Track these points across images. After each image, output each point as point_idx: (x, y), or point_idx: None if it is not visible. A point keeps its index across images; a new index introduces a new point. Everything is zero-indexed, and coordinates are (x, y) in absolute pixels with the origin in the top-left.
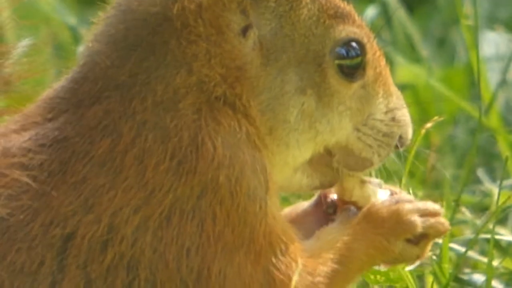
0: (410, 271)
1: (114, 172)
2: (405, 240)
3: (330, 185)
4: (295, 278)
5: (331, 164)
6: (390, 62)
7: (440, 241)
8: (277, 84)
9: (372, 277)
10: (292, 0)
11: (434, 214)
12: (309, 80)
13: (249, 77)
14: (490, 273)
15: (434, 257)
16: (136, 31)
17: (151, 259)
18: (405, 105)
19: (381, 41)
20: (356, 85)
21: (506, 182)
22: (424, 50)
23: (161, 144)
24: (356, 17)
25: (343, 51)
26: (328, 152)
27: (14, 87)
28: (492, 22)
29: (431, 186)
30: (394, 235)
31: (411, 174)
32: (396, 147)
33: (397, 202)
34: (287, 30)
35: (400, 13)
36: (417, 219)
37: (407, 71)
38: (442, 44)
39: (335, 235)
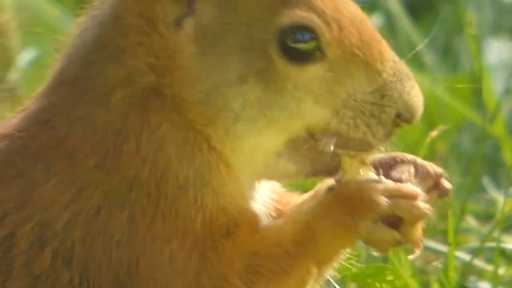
0: (416, 279)
1: (47, 167)
2: (374, 221)
3: (327, 173)
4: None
5: (318, 149)
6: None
7: (444, 248)
8: (215, 72)
9: (378, 285)
10: None
11: (408, 196)
12: (252, 68)
13: (182, 67)
14: (496, 281)
15: (440, 265)
16: (87, 25)
17: (82, 254)
18: (406, 79)
19: None
20: (313, 69)
21: (511, 190)
22: (428, 59)
23: (89, 139)
24: (314, 0)
25: (288, 37)
26: (311, 136)
27: (19, 95)
28: (496, 30)
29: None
30: (358, 213)
31: None
32: (398, 124)
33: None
34: (226, 18)
35: (404, 22)
36: (382, 198)
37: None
38: (446, 53)
39: (299, 214)
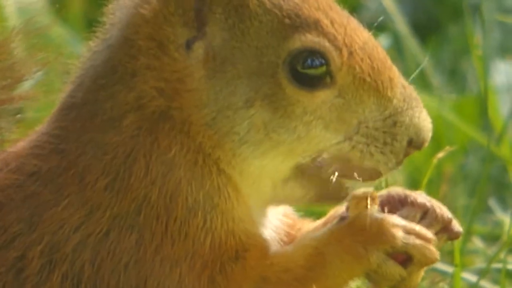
0: None
1: (57, 189)
2: (385, 254)
3: (335, 199)
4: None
5: (322, 176)
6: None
7: (451, 270)
8: (222, 96)
9: None
10: (242, 12)
11: (422, 237)
12: (259, 92)
13: (191, 90)
14: None
15: (446, 287)
16: (97, 49)
17: (90, 276)
18: (416, 105)
19: None
20: (323, 94)
21: None
22: (435, 80)
23: (99, 161)
24: (325, 24)
25: (297, 61)
26: (317, 164)
27: (27, 116)
28: (503, 52)
29: None
30: (372, 243)
31: None
32: (409, 152)
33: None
34: (236, 42)
35: (411, 43)
36: (399, 233)
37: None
38: (454, 74)
39: (309, 240)
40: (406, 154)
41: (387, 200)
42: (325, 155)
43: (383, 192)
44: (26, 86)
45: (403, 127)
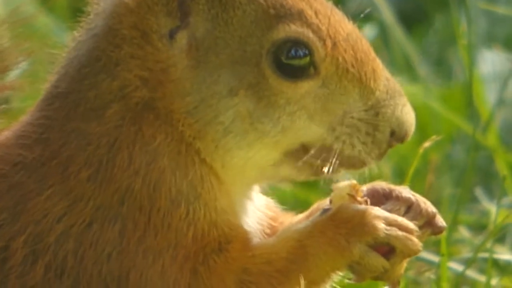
0: None
1: (40, 179)
2: (368, 246)
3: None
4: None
5: (312, 163)
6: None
7: (437, 259)
8: (206, 86)
9: None
10: (225, 2)
11: (405, 229)
12: (243, 81)
13: (174, 79)
14: None
15: (433, 276)
16: (81, 38)
17: (73, 267)
18: (399, 98)
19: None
20: (306, 85)
21: (504, 201)
22: (422, 69)
23: (82, 151)
24: (309, 15)
25: (281, 52)
26: (306, 150)
27: (13, 106)
28: (489, 41)
29: None
30: (354, 235)
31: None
32: (392, 144)
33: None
34: (219, 32)
35: (397, 33)
36: (381, 225)
37: (405, 90)
38: (440, 63)
39: (292, 232)
40: (390, 146)
41: (371, 193)
42: (309, 145)
43: (367, 186)
44: (11, 76)
45: (385, 118)
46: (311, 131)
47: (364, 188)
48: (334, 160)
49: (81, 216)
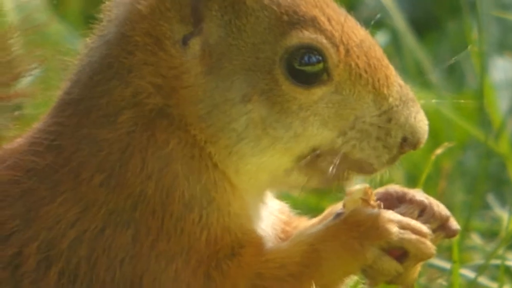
0: None
1: (53, 186)
2: (381, 249)
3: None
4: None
5: (322, 167)
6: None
7: (449, 266)
8: (219, 92)
9: None
10: (238, 9)
11: (418, 232)
12: (256, 88)
13: (188, 86)
14: None
15: (444, 283)
16: (94, 45)
17: (87, 273)
18: (413, 105)
19: None
20: (320, 91)
21: None
22: (434, 76)
23: (94, 157)
24: (323, 22)
25: (295, 58)
26: (316, 155)
27: (25, 113)
28: (501, 48)
29: None
30: (367, 239)
31: None
32: (404, 150)
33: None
34: (232, 38)
35: (409, 39)
36: (394, 228)
37: (417, 97)
38: (452, 70)
39: (305, 236)
40: (401, 152)
41: (384, 197)
42: (320, 150)
43: (381, 189)
44: (24, 83)
45: (398, 124)
46: (322, 136)
47: (378, 191)
48: (344, 164)
49: (94, 222)
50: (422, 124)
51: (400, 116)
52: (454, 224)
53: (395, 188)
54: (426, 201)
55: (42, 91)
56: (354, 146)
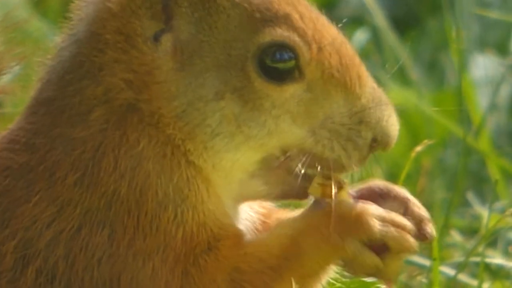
0: None
1: (28, 186)
2: (362, 243)
3: (297, 196)
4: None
5: (290, 168)
6: (380, 85)
7: (429, 263)
8: (192, 89)
9: None
10: (208, 6)
11: (400, 227)
12: (229, 85)
13: (159, 82)
14: None
15: (424, 280)
16: (64, 44)
17: (65, 272)
18: (385, 108)
19: (371, 64)
20: (291, 88)
21: (496, 205)
22: (414, 73)
23: (68, 156)
24: (295, 19)
25: (267, 55)
26: (285, 156)
27: (5, 111)
28: (481, 45)
29: None
30: (348, 233)
31: None
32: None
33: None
34: (203, 35)
35: (390, 36)
36: (376, 223)
37: (397, 94)
38: (432, 68)
39: (284, 228)
40: (371, 151)
41: (367, 193)
42: (291, 149)
43: (363, 185)
44: (4, 80)
45: (369, 126)
46: (293, 134)
47: (360, 187)
48: (313, 164)
49: (70, 222)
50: (393, 128)
51: (372, 118)
52: (429, 229)
53: (378, 184)
54: (409, 199)
55: (22, 89)
56: (324, 146)
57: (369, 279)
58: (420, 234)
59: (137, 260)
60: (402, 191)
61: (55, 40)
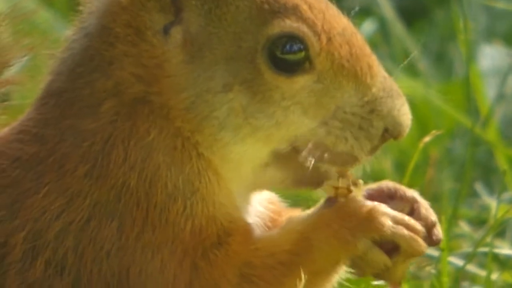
0: (409, 284)
1: (37, 177)
2: (372, 242)
3: (313, 184)
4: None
5: (300, 161)
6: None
7: (437, 254)
8: (201, 81)
9: None
10: None
11: (411, 229)
12: (237, 77)
13: (169, 75)
14: (489, 286)
15: (433, 271)
16: (75, 37)
17: (74, 263)
18: (397, 97)
19: (378, 55)
20: (302, 80)
21: (504, 195)
22: (422, 64)
23: (78, 148)
24: (304, 10)
25: (276, 47)
26: (295, 149)
27: (12, 101)
28: (489, 36)
29: (429, 200)
30: (360, 230)
31: (410, 187)
32: (386, 139)
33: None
34: (212, 28)
35: (397, 27)
36: (388, 222)
37: (405, 85)
38: (440, 58)
39: (295, 224)
40: (383, 141)
41: (377, 193)
42: (301, 141)
43: (374, 185)
44: (12, 71)
45: (381, 116)
46: (304, 125)
47: (371, 187)
48: (324, 157)
49: (79, 213)
50: (405, 117)
51: (383, 107)
52: (438, 232)
53: (387, 184)
54: (417, 199)
55: (30, 79)
56: (337, 137)
57: (377, 282)
58: (429, 239)
59: (146, 252)
60: (411, 192)
61: (64, 32)
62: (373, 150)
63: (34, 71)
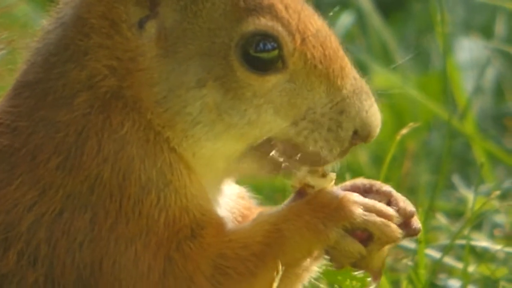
0: (386, 277)
1: (10, 168)
2: (344, 231)
3: (284, 172)
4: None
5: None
6: (365, 69)
7: (414, 246)
8: (174, 76)
9: (347, 282)
10: None
11: (383, 215)
12: (211, 73)
13: (143, 68)
14: (466, 279)
15: (410, 263)
16: (50, 28)
17: (46, 255)
18: (366, 99)
19: (356, 48)
20: (274, 79)
21: (481, 188)
22: (399, 57)
23: (51, 140)
24: (279, 9)
25: (250, 45)
26: (271, 145)
27: None
28: (467, 29)
29: (406, 192)
30: (331, 220)
31: (386, 180)
32: (356, 142)
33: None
34: (188, 23)
35: (375, 20)
36: (358, 210)
37: (382, 78)
38: (417, 51)
39: (267, 217)
40: (352, 144)
41: (352, 189)
42: (273, 140)
43: (348, 182)
44: None
45: (350, 117)
46: (276, 125)
47: (345, 184)
48: (295, 156)
49: (52, 205)
50: (374, 119)
51: (352, 109)
52: (417, 222)
53: (362, 180)
54: (392, 193)
55: (8, 72)
56: (306, 137)
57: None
58: (408, 229)
59: (119, 244)
60: (386, 186)
61: (41, 23)
62: (343, 153)
63: (12, 64)
